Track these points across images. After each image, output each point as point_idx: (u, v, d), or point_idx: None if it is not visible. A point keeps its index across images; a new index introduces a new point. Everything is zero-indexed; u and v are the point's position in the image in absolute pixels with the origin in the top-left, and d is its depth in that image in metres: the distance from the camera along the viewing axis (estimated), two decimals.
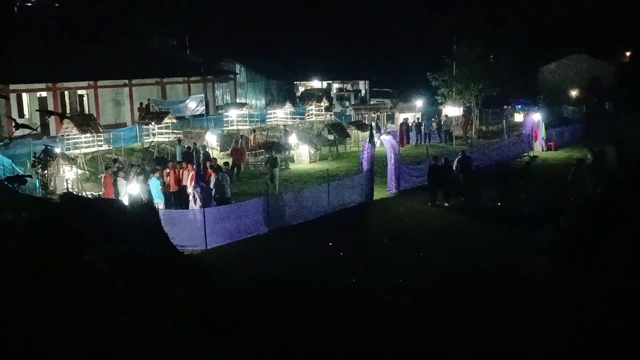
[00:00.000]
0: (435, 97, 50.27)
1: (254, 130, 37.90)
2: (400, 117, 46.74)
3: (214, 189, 21.69)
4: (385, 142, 27.30)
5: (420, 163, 29.92)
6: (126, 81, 42.84)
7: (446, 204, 24.40)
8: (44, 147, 26.75)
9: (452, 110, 47.80)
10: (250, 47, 66.24)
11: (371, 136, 26.04)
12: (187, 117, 41.44)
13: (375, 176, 26.08)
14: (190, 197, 22.13)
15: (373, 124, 41.30)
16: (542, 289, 9.19)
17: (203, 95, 45.61)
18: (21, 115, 38.20)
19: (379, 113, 47.76)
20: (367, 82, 68.82)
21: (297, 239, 20.03)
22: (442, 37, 56.16)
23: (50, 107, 37.82)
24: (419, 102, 49.26)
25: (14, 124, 34.82)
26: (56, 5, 55.73)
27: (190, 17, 64.95)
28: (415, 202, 24.97)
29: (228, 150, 36.64)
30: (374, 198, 25.53)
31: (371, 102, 58.35)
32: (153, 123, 34.83)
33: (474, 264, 16.70)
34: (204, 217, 19.05)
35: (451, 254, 18.10)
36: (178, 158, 29.10)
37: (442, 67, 48.90)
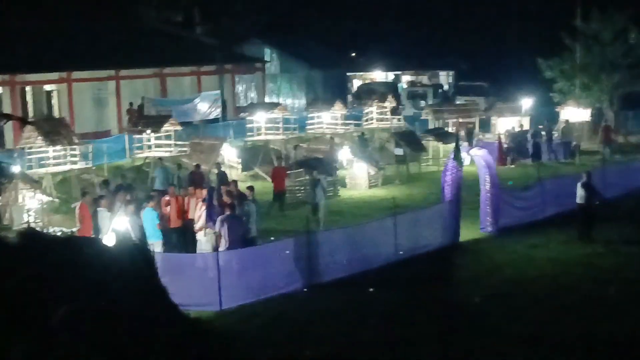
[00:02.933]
0: (550, 95, 49.83)
1: (297, 146, 38.17)
2: (499, 123, 46.42)
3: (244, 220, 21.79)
4: (477, 160, 27.08)
5: (527, 189, 29.63)
6: (112, 72, 43.57)
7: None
8: None
9: (574, 113, 47.32)
10: (285, 24, 66.88)
11: (457, 151, 25.88)
12: (197, 123, 41.90)
13: (462, 208, 25.88)
14: (200, 236, 22.22)
15: (461, 133, 41.28)
16: None
17: (218, 92, 46.10)
18: None
19: (471, 118, 47.47)
20: (451, 73, 68.72)
21: (348, 298, 19.91)
22: (560, 6, 55.80)
23: (6, 108, 38.67)
24: (527, 102, 48.89)
25: None
26: None
27: None
28: (522, 246, 24.66)
29: (253, 169, 36.91)
30: (461, 239, 25.30)
31: (457, 102, 58.16)
32: (149, 131, 35.26)
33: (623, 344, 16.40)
34: (218, 265, 19.10)
35: (581, 325, 17.74)
36: (157, 185, 29.23)
37: (559, 51, 48.49)
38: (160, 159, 32.75)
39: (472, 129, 42.27)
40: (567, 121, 46.06)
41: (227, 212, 21.25)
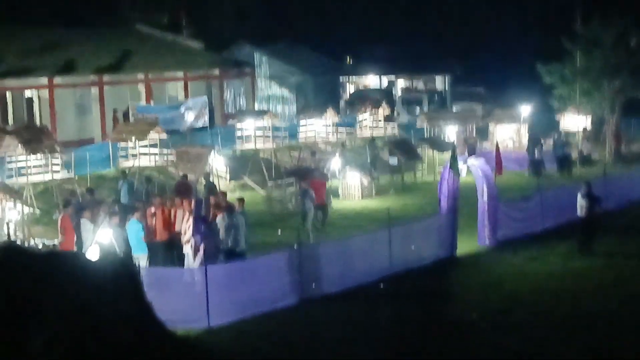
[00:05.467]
0: (550, 101, 49.90)
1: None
2: (497, 130, 46.50)
3: (223, 236, 21.80)
4: (474, 170, 27.14)
5: (527, 200, 29.69)
6: (95, 77, 43.56)
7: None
8: None
9: (573, 121, 47.42)
10: (275, 27, 66.93)
11: (454, 160, 25.93)
12: (183, 131, 41.90)
13: (459, 219, 25.93)
14: (187, 249, 22.23)
15: (455, 140, 41.34)
16: None
17: (205, 98, 46.11)
18: None
19: (470, 126, 47.48)
20: (447, 77, 68.73)
21: (341, 314, 19.92)
22: (559, 10, 55.95)
23: None
24: (525, 109, 48.90)
25: None
26: None
27: None
28: (521, 259, 24.73)
29: (242, 178, 36.92)
30: (458, 252, 25.35)
31: (453, 108, 58.27)
32: (133, 138, 35.26)
33: None
34: (206, 280, 19.10)
35: (581, 341, 17.76)
36: (123, 199, 29.16)
37: (559, 55, 48.58)
38: (124, 171, 32.65)
39: (474, 144, 42.09)
40: (561, 131, 46.24)
41: (202, 225, 21.42)
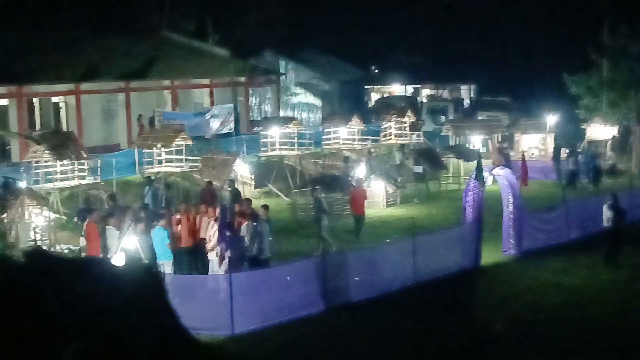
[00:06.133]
0: (576, 111, 49.69)
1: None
2: (523, 140, 46.32)
3: (247, 244, 21.83)
4: (499, 179, 27.05)
5: (551, 210, 29.55)
6: (122, 84, 43.74)
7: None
8: (2, 179, 27.33)
9: (600, 131, 47.22)
10: (300, 35, 67.05)
11: (479, 170, 25.85)
12: (209, 137, 41.98)
13: (484, 229, 25.84)
14: (211, 256, 22.26)
15: (481, 149, 41.20)
16: None
17: (232, 105, 46.19)
18: None
19: (497, 134, 47.22)
20: (472, 87, 68.66)
21: (365, 323, 19.91)
22: (586, 20, 55.68)
23: (13, 120, 38.88)
24: (551, 119, 48.72)
25: None
26: None
27: None
28: (546, 270, 24.61)
29: (266, 185, 36.95)
30: (482, 262, 25.25)
31: (479, 117, 58.09)
32: (159, 145, 35.34)
33: None
34: (231, 286, 19.12)
35: (605, 357, 17.64)
36: (147, 203, 29.12)
37: (585, 66, 48.37)
38: (149, 177, 32.78)
39: (508, 153, 41.41)
40: (589, 140, 45.98)
41: (229, 233, 21.45)
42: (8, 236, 25.36)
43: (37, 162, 31.22)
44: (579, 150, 42.27)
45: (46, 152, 30.95)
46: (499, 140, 45.75)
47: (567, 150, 42.21)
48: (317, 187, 30.58)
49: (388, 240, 26.65)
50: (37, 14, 49.32)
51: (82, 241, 23.97)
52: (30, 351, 7.17)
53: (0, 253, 22.99)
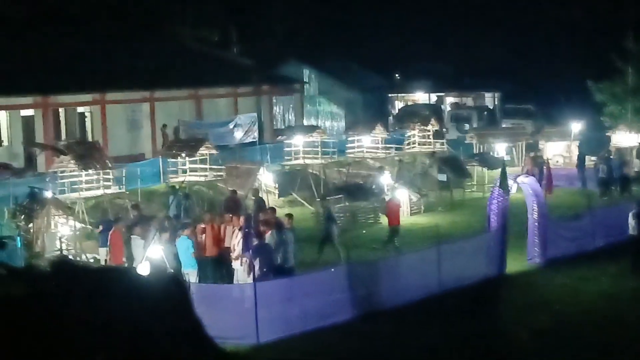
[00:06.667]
0: (601, 119, 49.46)
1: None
2: (547, 148, 46.10)
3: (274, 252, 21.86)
4: (524, 187, 26.96)
5: (578, 218, 29.41)
6: (147, 94, 43.92)
7: None
8: (29, 189, 27.48)
9: (625, 138, 46.91)
10: (324, 43, 67.11)
11: (503, 178, 25.78)
12: (233, 146, 42.09)
13: (508, 237, 25.75)
14: (237, 265, 22.29)
15: (506, 157, 41.03)
16: None
17: (255, 114, 46.32)
18: None
19: (521, 142, 46.99)
20: (496, 95, 68.41)
21: (390, 332, 19.90)
22: (610, 27, 55.46)
23: (39, 131, 39.15)
24: (576, 126, 48.50)
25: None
26: None
27: (236, 0, 66.35)
28: (571, 278, 24.50)
29: (291, 194, 36.98)
30: (507, 271, 25.18)
31: (503, 125, 57.95)
32: (183, 154, 35.46)
33: None
34: (256, 296, 19.14)
35: None
36: (172, 212, 29.16)
37: (610, 73, 48.16)
38: (173, 186, 32.84)
39: (542, 163, 40.78)
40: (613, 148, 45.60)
41: (256, 241, 21.43)
42: (35, 245, 25.54)
43: (62, 172, 31.40)
44: (612, 157, 41.79)
45: (72, 162, 31.14)
46: (532, 150, 45.41)
47: (598, 158, 41.78)
48: (329, 197, 30.59)
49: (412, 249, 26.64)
50: (63, 24, 49.56)
51: (103, 252, 24.17)
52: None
53: (27, 262, 23.16)
